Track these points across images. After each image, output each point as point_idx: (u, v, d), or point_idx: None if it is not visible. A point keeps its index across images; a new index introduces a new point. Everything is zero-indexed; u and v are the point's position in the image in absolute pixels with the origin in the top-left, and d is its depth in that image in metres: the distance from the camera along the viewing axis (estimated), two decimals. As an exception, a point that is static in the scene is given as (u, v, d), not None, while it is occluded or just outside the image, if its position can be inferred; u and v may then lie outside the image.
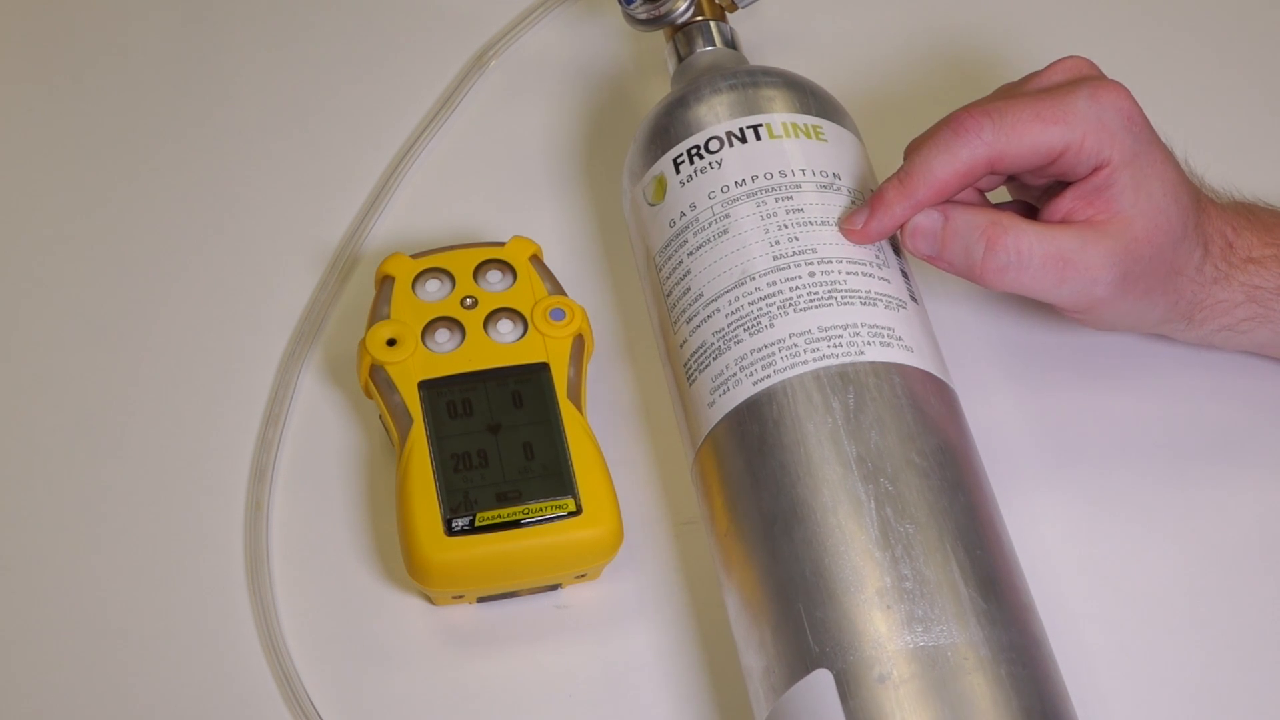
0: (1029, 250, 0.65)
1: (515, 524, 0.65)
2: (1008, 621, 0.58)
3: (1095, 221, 0.66)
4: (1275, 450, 0.72)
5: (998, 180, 0.70)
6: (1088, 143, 0.65)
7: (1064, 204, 0.66)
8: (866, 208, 0.67)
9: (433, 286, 0.71)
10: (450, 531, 0.64)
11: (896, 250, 0.68)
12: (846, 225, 0.67)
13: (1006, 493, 0.64)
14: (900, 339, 0.64)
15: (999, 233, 0.65)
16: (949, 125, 0.66)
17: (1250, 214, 0.71)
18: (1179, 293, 0.68)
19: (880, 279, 0.66)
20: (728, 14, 0.78)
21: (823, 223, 0.67)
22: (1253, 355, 0.72)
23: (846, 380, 0.62)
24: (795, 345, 0.63)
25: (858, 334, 0.63)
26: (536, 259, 0.72)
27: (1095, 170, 0.66)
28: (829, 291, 0.64)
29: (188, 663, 0.67)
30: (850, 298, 0.64)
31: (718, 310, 0.65)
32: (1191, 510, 0.70)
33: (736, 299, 0.65)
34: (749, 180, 0.68)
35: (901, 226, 0.66)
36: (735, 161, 0.68)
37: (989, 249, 0.65)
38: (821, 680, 0.56)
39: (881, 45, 0.86)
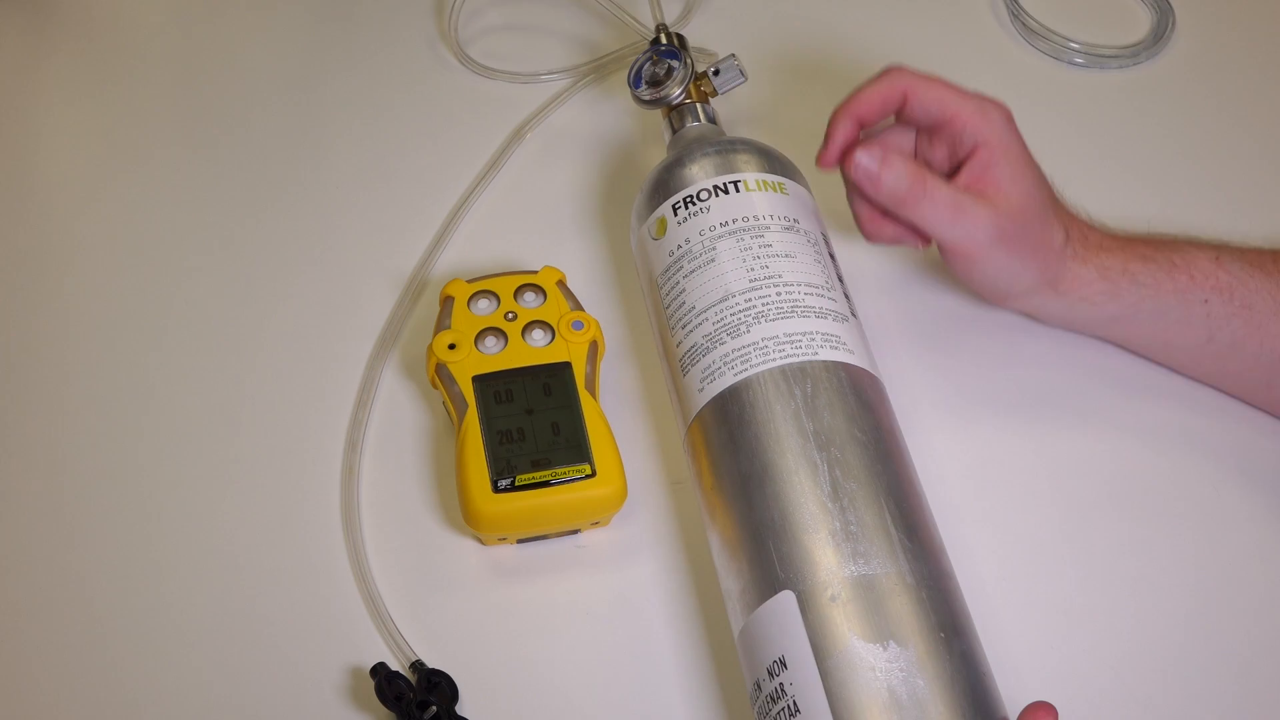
0: (938, 193, 0.66)
1: (546, 484, 0.65)
2: (926, 556, 0.58)
3: (984, 192, 0.67)
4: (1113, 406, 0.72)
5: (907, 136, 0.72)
6: (971, 123, 0.67)
7: (961, 179, 0.67)
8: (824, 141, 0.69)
9: (483, 304, 0.71)
10: (496, 490, 0.64)
11: (840, 279, 0.68)
12: (818, 163, 0.70)
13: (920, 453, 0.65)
14: (845, 344, 0.64)
15: (921, 176, 0.66)
16: (882, 71, 0.69)
17: (1099, 225, 0.71)
18: (1046, 264, 0.69)
19: (829, 299, 0.66)
20: (709, 98, 0.78)
21: (786, 255, 0.66)
22: (1105, 342, 0.73)
23: (805, 374, 0.62)
24: (766, 347, 0.63)
25: (813, 339, 0.63)
26: (562, 283, 0.72)
27: (975, 148, 0.67)
28: (791, 307, 0.64)
29: (298, 590, 0.66)
30: (807, 312, 0.64)
31: (706, 319, 0.65)
32: (1057, 463, 0.70)
33: (720, 311, 0.65)
34: (730, 222, 0.68)
35: (850, 159, 0.67)
36: (719, 208, 0.68)
37: (911, 184, 0.65)
38: (786, 599, 0.56)
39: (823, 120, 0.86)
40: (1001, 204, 0.66)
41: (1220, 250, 0.70)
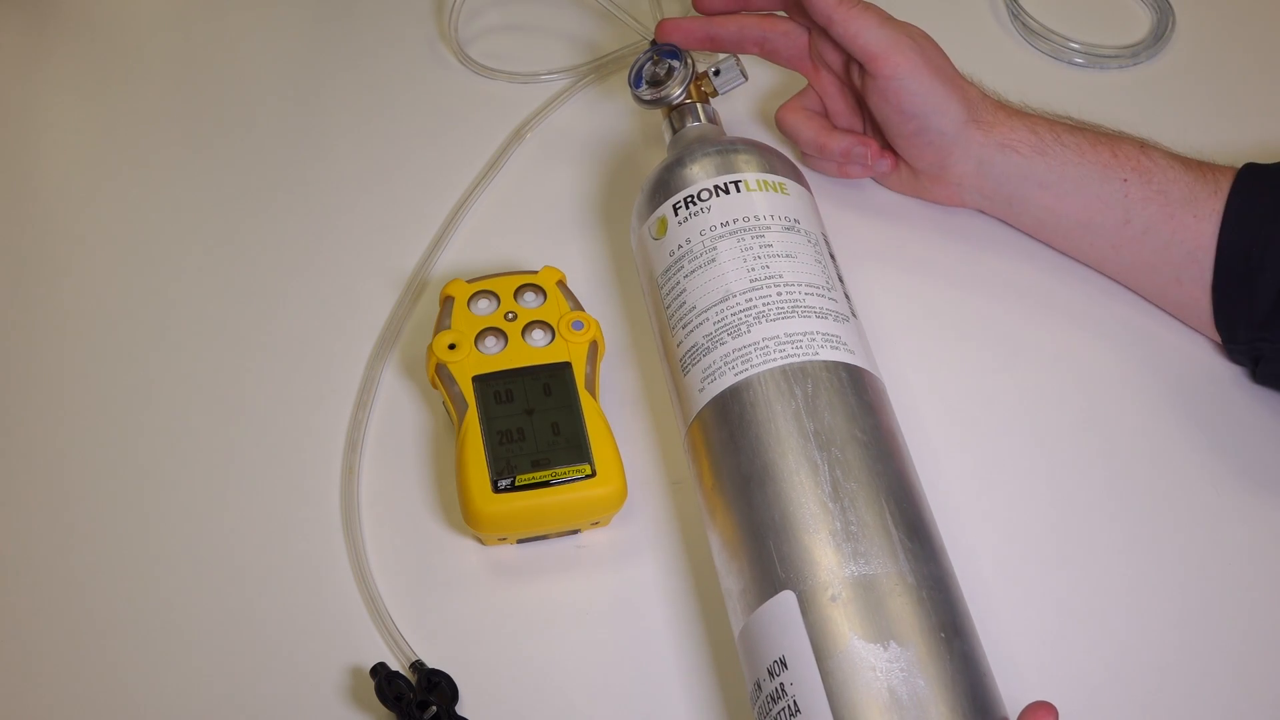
0: (866, 5, 0.74)
1: (545, 484, 0.65)
2: (926, 557, 0.58)
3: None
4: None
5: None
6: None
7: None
8: None
9: (483, 304, 0.71)
10: (496, 490, 0.64)
11: (840, 279, 0.68)
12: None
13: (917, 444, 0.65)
14: (845, 344, 0.64)
15: None
16: None
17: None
18: (968, 99, 0.73)
19: (830, 299, 0.66)
20: (710, 98, 0.78)
21: (786, 255, 0.66)
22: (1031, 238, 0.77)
23: (806, 374, 0.62)
24: (767, 347, 0.63)
25: (814, 339, 0.63)
26: (562, 283, 0.72)
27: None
28: (792, 307, 0.64)
29: (298, 590, 0.66)
30: (808, 312, 0.64)
31: (707, 319, 0.65)
32: (1057, 463, 0.70)
33: (721, 311, 0.65)
34: (730, 222, 0.68)
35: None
36: (720, 208, 0.68)
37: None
38: (787, 599, 0.56)
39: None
40: (920, 41, 0.73)
41: (1146, 141, 0.73)
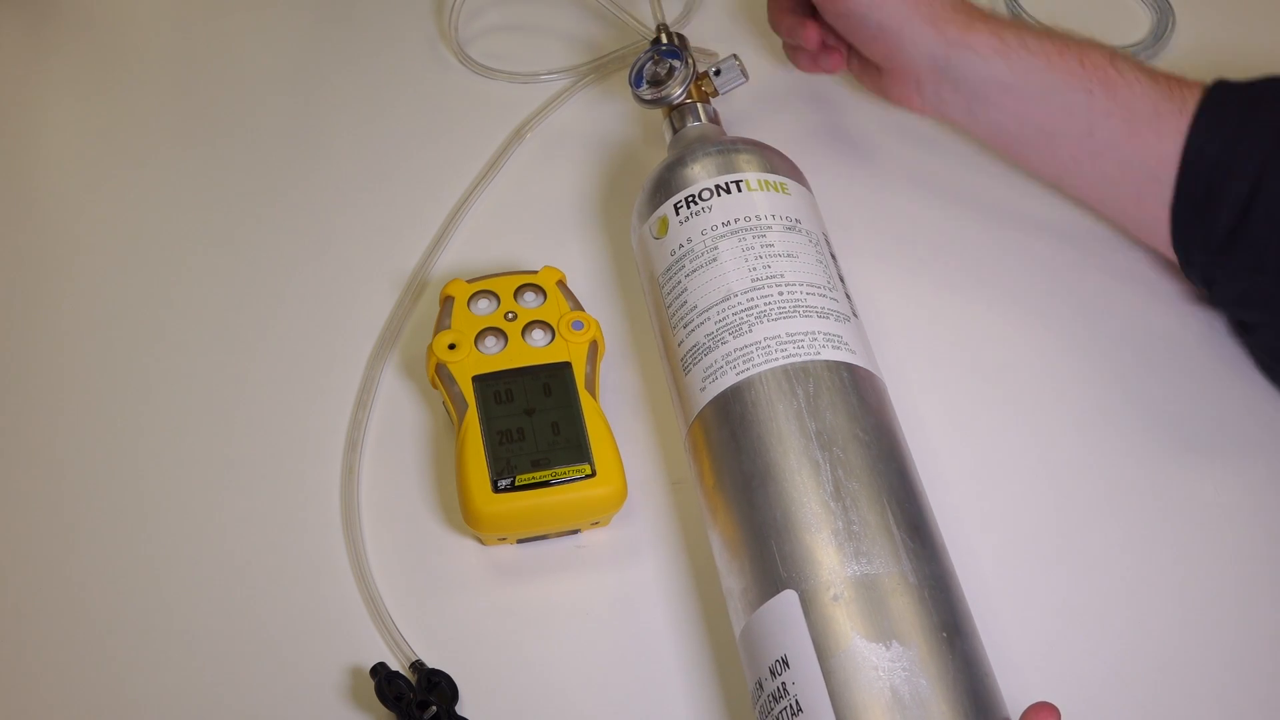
0: None
1: (545, 484, 0.65)
2: (928, 557, 0.58)
3: None
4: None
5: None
6: None
7: None
8: None
9: (483, 304, 0.71)
10: (496, 490, 0.64)
11: (841, 279, 0.68)
12: None
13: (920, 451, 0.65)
14: (847, 343, 0.64)
15: None
16: None
17: None
18: None
19: (831, 299, 0.66)
20: (710, 98, 0.78)
21: (787, 255, 0.66)
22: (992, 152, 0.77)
23: (807, 374, 0.62)
24: (769, 346, 0.63)
25: (815, 339, 0.63)
26: (562, 283, 0.72)
27: None
28: (794, 307, 0.64)
29: (298, 590, 0.66)
30: (810, 312, 0.64)
31: (708, 319, 0.65)
32: (1058, 463, 0.70)
33: (723, 310, 0.65)
34: (732, 222, 0.68)
35: None
36: (721, 208, 0.68)
37: None
38: (788, 599, 0.56)
39: (825, 123, 0.86)
40: None
41: (1116, 52, 0.71)
